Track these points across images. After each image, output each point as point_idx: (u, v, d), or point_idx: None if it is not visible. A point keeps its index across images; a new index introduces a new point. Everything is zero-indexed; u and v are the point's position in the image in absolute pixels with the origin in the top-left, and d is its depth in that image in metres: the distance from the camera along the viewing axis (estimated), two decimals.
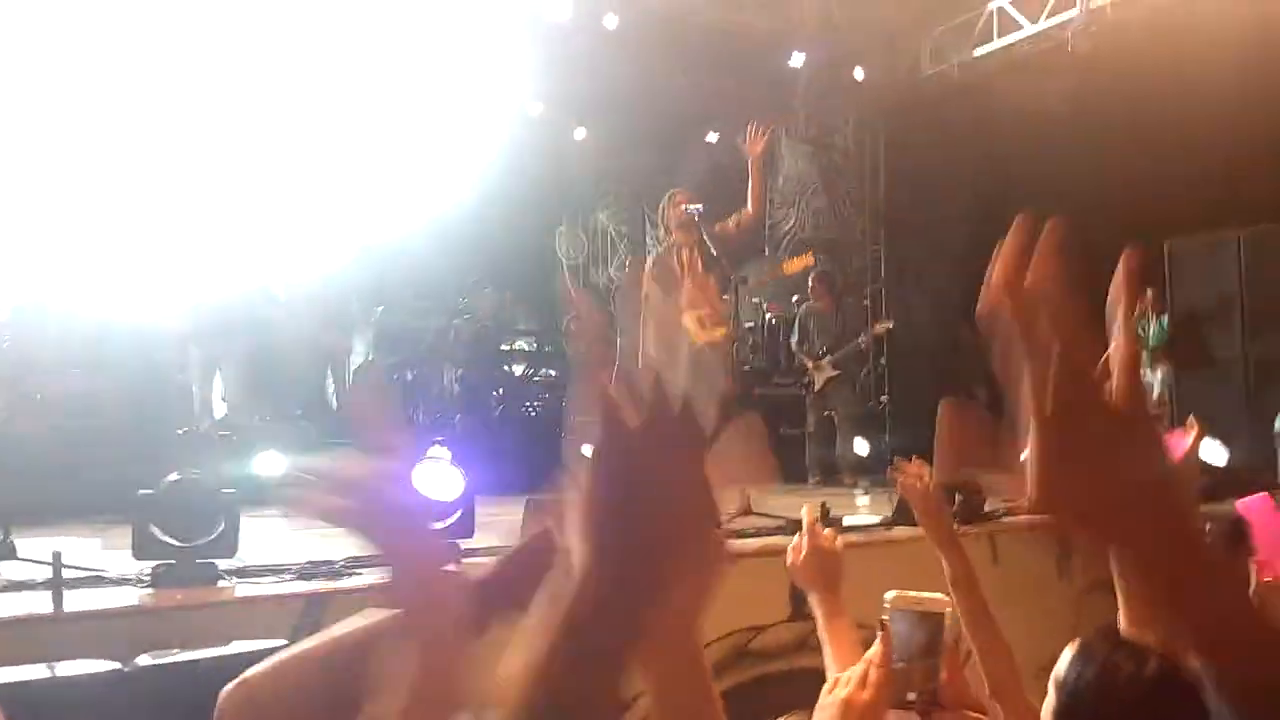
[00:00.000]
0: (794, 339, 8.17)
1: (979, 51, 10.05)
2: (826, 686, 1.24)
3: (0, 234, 6.85)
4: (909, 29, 10.45)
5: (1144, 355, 8.41)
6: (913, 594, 1.26)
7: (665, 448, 0.65)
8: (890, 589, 1.32)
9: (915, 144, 10.33)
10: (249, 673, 1.13)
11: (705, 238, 5.92)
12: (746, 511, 4.82)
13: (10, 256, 6.78)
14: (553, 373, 9.77)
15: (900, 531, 4.39)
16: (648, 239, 12.19)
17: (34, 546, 3.60)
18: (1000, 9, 9.84)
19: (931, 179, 10.15)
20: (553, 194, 11.52)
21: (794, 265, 7.45)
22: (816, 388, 7.87)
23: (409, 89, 8.99)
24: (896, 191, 10.87)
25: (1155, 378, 8.49)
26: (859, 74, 10.53)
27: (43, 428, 5.09)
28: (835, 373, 7.83)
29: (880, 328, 7.96)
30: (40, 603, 3.12)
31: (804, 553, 1.52)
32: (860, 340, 8.10)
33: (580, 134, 11.11)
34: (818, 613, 1.46)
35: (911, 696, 1.21)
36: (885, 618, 1.22)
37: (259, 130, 8.23)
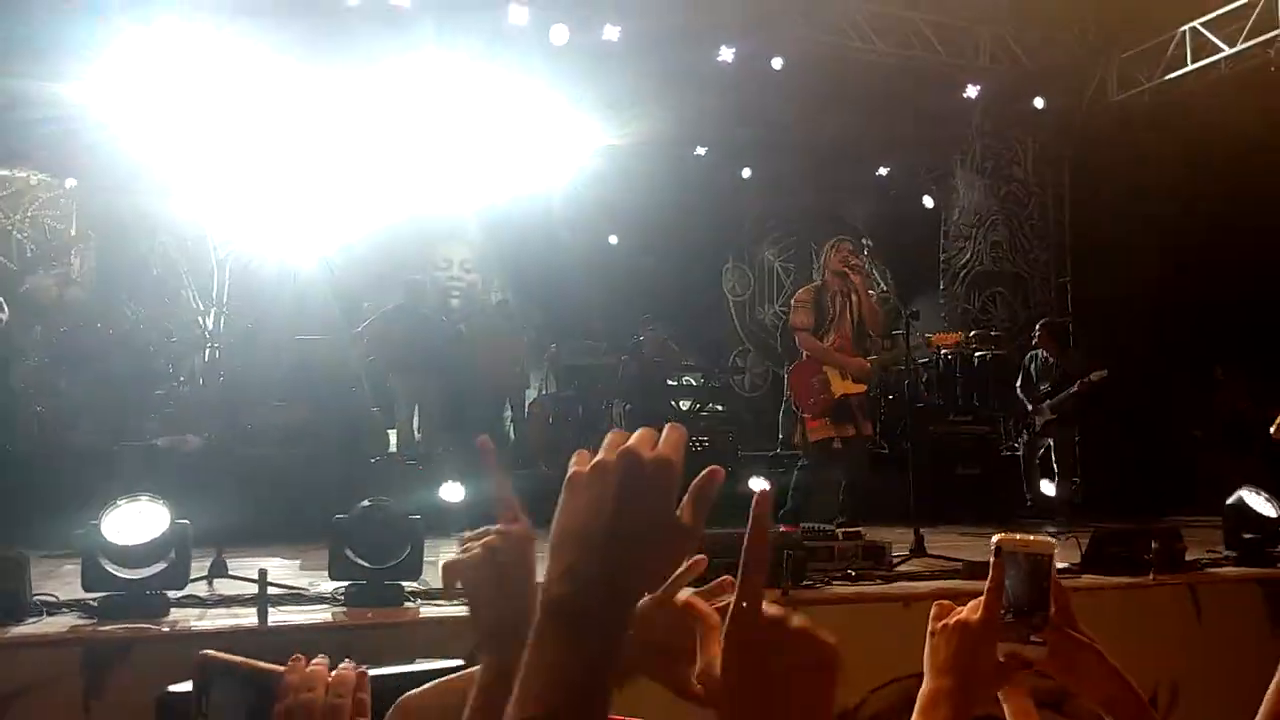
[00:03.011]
0: (1018, 383, 7.95)
1: (1172, 75, 9.53)
2: (934, 614, 1.25)
3: (219, 261, 7.50)
4: (1093, 55, 10.02)
5: None
6: (1019, 536, 1.26)
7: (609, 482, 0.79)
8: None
9: (1103, 172, 9.85)
10: (409, 694, 1.22)
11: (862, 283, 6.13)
12: (920, 553, 4.68)
13: (227, 285, 7.42)
14: (720, 408, 9.79)
15: (1089, 579, 4.14)
16: (814, 274, 12.11)
17: (242, 565, 3.90)
18: (1194, 30, 9.30)
19: (1121, 208, 9.62)
20: (720, 232, 11.62)
21: (945, 340, 7.25)
22: (1036, 429, 7.59)
23: (582, 132, 9.32)
24: (1083, 223, 10.37)
25: None
26: (1039, 103, 10.15)
27: (252, 455, 5.52)
28: (1053, 416, 7.57)
29: (1097, 375, 7.65)
30: (247, 617, 3.36)
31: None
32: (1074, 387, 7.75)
33: (746, 173, 11.19)
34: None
35: (1021, 627, 1.23)
36: (997, 550, 1.24)
37: (434, 175, 8.69)
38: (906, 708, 1.48)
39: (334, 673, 1.23)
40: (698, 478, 0.83)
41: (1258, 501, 4.68)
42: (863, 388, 6.06)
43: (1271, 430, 1.73)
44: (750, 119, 9.80)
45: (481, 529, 1.12)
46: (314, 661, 1.23)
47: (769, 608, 0.80)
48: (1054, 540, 1.27)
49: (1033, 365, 7.86)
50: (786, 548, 4.13)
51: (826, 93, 9.49)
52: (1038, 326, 8.15)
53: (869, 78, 9.38)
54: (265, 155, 7.98)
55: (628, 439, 0.81)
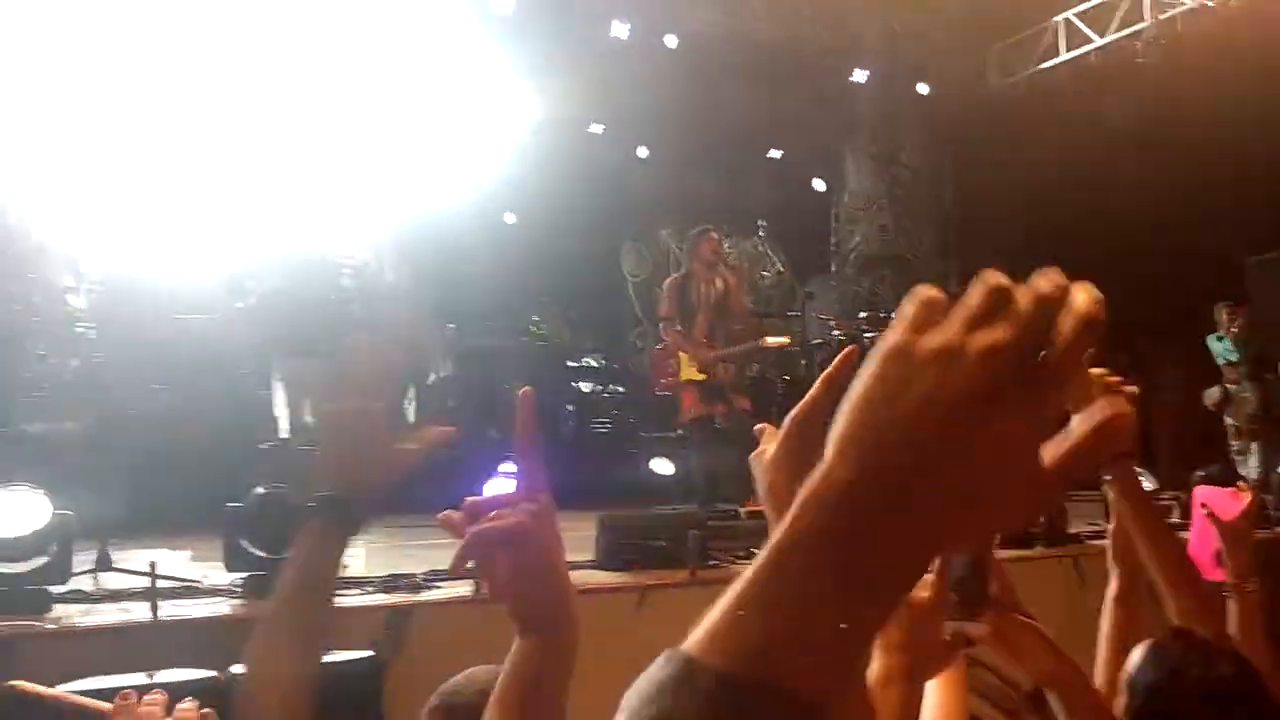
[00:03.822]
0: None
1: (1046, 64, 9.95)
2: None
3: (86, 240, 7.10)
4: (974, 43, 10.37)
5: (1241, 370, 8.20)
6: None
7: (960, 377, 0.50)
8: None
9: (984, 158, 10.24)
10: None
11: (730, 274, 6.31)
12: None
13: (95, 266, 7.03)
14: (621, 389, 9.81)
15: None
16: (682, 263, 12.23)
17: (129, 559, 3.72)
18: (1067, 21, 9.73)
19: (1002, 193, 10.04)
20: (616, 212, 11.60)
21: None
22: None
23: (473, 109, 9.15)
24: (966, 207, 10.77)
25: (1249, 392, 8.26)
26: (923, 88, 10.46)
27: (133, 442, 5.26)
28: None
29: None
30: (138, 611, 3.22)
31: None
32: None
33: (643, 152, 11.19)
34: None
35: (965, 605, 1.28)
36: None
37: (323, 148, 8.44)
38: None
39: (174, 714, 1.14)
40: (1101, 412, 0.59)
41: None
42: (705, 377, 6.23)
43: (1208, 401, 1.84)
44: (646, 98, 9.80)
45: (503, 496, 1.05)
46: (146, 699, 1.14)
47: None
48: None
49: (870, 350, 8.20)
50: (691, 527, 4.19)
51: (720, 74, 9.56)
52: (880, 314, 8.49)
53: (762, 60, 9.49)
54: (141, 119, 7.58)
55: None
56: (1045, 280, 0.52)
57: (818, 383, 0.96)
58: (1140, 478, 4.73)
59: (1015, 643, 1.34)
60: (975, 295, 0.53)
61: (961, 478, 0.49)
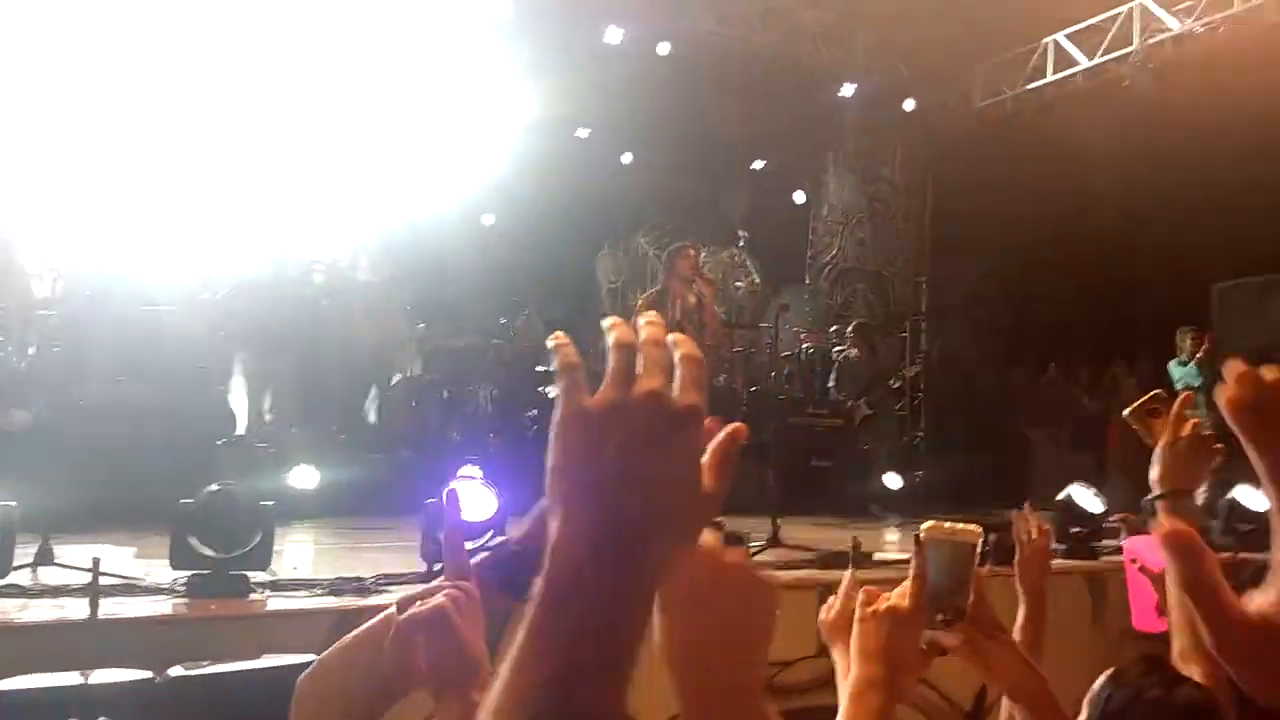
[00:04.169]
0: (831, 383, 8.29)
1: (1033, 85, 9.99)
2: (862, 600, 1.29)
3: (57, 230, 7.01)
4: (961, 62, 10.41)
5: (1199, 397, 8.25)
6: (947, 524, 1.32)
7: (631, 425, 0.63)
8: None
9: (965, 176, 10.29)
10: (323, 655, 1.18)
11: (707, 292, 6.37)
12: (775, 543, 4.78)
13: (65, 256, 6.94)
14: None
15: None
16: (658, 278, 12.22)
17: (73, 553, 3.65)
18: (1056, 43, 9.77)
19: (980, 212, 10.08)
20: (596, 217, 11.58)
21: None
22: (855, 424, 7.94)
23: (456, 107, 9.11)
24: (944, 224, 10.81)
25: (1206, 418, 8.32)
26: (909, 105, 10.50)
27: (86, 434, 5.17)
28: (869, 411, 7.91)
29: (909, 372, 8.14)
30: (77, 609, 3.15)
31: (835, 611, 1.36)
32: (892, 382, 8.21)
33: (627, 158, 11.18)
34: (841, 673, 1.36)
35: (941, 616, 1.28)
36: (921, 539, 1.29)
37: (303, 146, 8.38)
38: (768, 695, 1.48)
39: None
40: (718, 436, 0.72)
41: (1086, 497, 4.97)
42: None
43: (1125, 412, 1.86)
44: (634, 104, 9.79)
45: (433, 585, 1.10)
46: None
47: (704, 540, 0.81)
48: (979, 529, 1.30)
49: (846, 367, 8.25)
50: None
51: (710, 83, 9.57)
52: (850, 327, 8.57)
53: (751, 70, 9.51)
54: (118, 108, 7.50)
55: (641, 372, 0.65)
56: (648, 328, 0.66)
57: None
58: (1085, 495, 4.75)
59: (987, 654, 1.34)
60: (614, 358, 0.65)
61: (642, 506, 0.61)
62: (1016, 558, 2.05)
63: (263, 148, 8.13)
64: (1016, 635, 1.93)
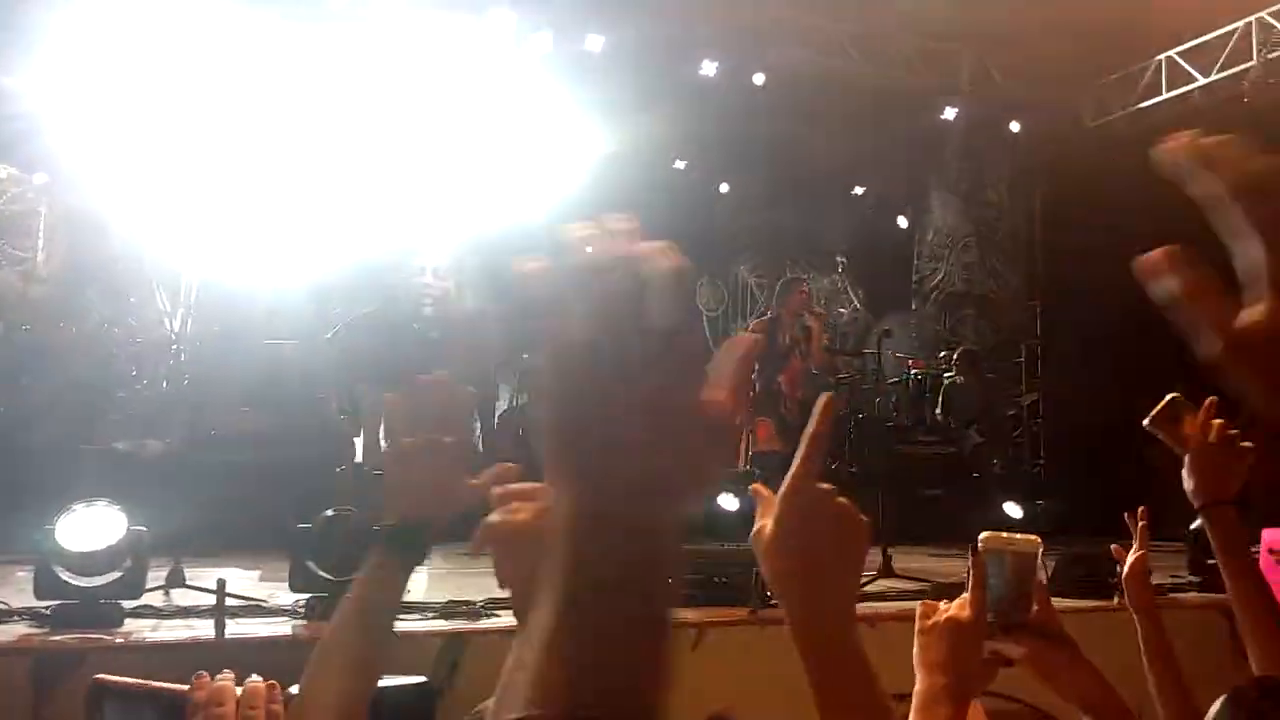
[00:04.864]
0: (939, 411, 8.17)
1: (1146, 103, 9.67)
2: (921, 612, 1.29)
3: (185, 268, 7.40)
4: (1070, 81, 10.14)
5: None
6: (1005, 534, 1.30)
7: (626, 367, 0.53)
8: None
9: (1076, 198, 9.97)
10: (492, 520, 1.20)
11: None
12: (888, 573, 4.68)
13: (193, 294, 7.32)
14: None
15: (1054, 601, 4.15)
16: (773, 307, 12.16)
17: (200, 575, 3.82)
18: (1170, 59, 9.44)
19: (1093, 235, 9.75)
20: (695, 247, 11.53)
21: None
22: (966, 452, 7.78)
23: (553, 141, 9.30)
24: (1055, 248, 10.50)
25: None
26: (1015, 127, 10.26)
27: (215, 462, 5.43)
28: (980, 440, 7.74)
29: (1027, 399, 7.95)
30: (203, 629, 3.30)
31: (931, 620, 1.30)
32: (1008, 410, 8.03)
33: (724, 188, 11.21)
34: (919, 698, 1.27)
35: (1002, 626, 1.27)
36: (979, 550, 1.28)
37: (410, 180, 8.67)
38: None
39: (243, 686, 1.22)
40: (728, 341, 0.61)
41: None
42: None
43: (1146, 421, 1.78)
44: (730, 134, 9.83)
45: (532, 485, 1.08)
46: (219, 676, 1.22)
47: (820, 484, 0.97)
48: (1038, 539, 1.28)
49: (954, 394, 8.10)
50: (754, 565, 4.12)
51: (807, 110, 9.54)
52: (956, 354, 8.42)
53: (849, 96, 9.44)
54: (239, 153, 7.90)
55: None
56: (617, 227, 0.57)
57: (805, 442, 0.98)
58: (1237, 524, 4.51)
59: (1052, 664, 1.31)
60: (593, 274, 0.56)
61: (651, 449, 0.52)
62: (1131, 579, 1.97)
63: (371, 181, 8.45)
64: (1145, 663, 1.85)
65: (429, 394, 1.32)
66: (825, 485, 1.00)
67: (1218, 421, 1.69)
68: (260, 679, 1.26)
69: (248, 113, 7.78)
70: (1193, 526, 4.84)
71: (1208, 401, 1.73)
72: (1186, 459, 1.73)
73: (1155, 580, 4.40)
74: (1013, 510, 7.14)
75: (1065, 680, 1.31)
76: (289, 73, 7.71)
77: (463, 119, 8.76)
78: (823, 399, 1.00)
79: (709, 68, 9.05)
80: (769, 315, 6.84)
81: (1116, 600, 4.23)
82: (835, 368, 7.12)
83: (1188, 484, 1.71)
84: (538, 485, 1.05)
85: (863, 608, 4.06)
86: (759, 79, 9.21)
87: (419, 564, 1.35)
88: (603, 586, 0.52)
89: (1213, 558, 4.79)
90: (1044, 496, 7.54)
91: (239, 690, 1.23)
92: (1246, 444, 1.68)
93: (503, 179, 9.30)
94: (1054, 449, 9.35)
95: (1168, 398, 1.77)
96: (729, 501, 6.54)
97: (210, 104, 7.58)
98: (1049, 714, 3.59)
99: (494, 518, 1.05)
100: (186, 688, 1.23)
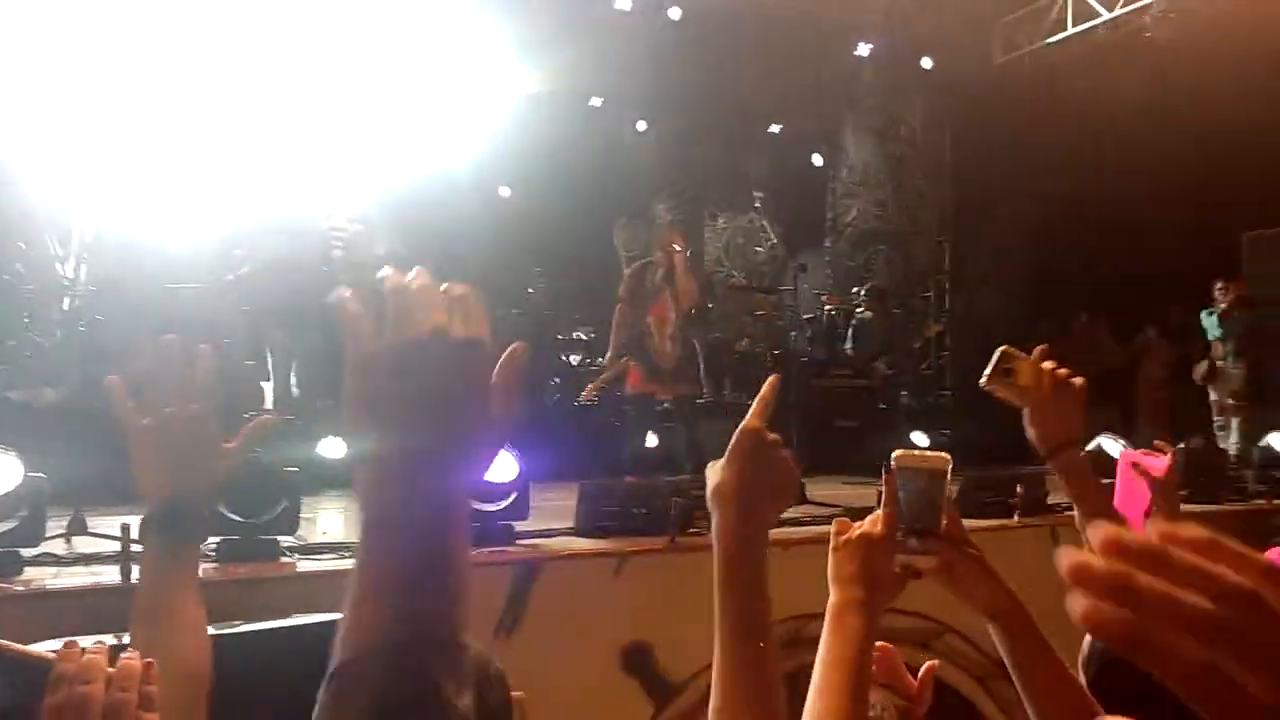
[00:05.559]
0: (848, 346, 8.34)
1: (1053, 39, 9.83)
2: (834, 529, 1.35)
3: (78, 210, 7.07)
4: (980, 17, 10.25)
5: (1228, 346, 8.20)
6: (916, 453, 1.35)
7: (420, 360, 0.72)
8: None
9: (985, 135, 10.16)
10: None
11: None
12: (802, 500, 4.78)
13: (87, 237, 7.00)
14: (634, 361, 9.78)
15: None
16: (705, 230, 12.14)
17: (103, 524, 3.70)
18: None
19: (1002, 170, 9.95)
20: (612, 186, 11.52)
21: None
22: (875, 386, 7.97)
23: (467, 79, 9.08)
24: (964, 183, 10.69)
25: (1236, 368, 8.27)
26: (927, 63, 10.36)
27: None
28: (889, 371, 7.94)
29: (931, 331, 8.15)
30: (108, 575, 3.20)
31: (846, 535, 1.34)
32: (914, 342, 8.23)
33: (641, 126, 11.10)
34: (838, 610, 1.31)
35: (913, 540, 1.31)
36: (891, 467, 1.32)
37: (317, 121, 8.40)
38: (794, 645, 1.54)
39: (117, 663, 1.11)
40: (503, 358, 0.81)
41: (1114, 448, 4.93)
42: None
43: (981, 382, 1.79)
44: (647, 71, 9.72)
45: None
46: (90, 647, 1.11)
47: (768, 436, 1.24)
48: (948, 456, 1.31)
49: (862, 330, 8.29)
50: (673, 495, 4.17)
51: (723, 46, 9.48)
52: (863, 290, 8.62)
53: (765, 32, 9.40)
54: (137, 89, 7.53)
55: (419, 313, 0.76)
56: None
57: (755, 405, 1.27)
58: (1114, 446, 4.71)
59: (961, 575, 1.34)
60: (392, 302, 0.75)
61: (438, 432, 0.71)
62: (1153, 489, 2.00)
63: (276, 124, 8.15)
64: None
65: (164, 365, 1.26)
66: (773, 436, 1.24)
67: (1048, 366, 1.70)
68: (137, 654, 1.12)
69: (148, 48, 7.42)
70: (1088, 448, 5.07)
71: (1036, 350, 1.74)
72: (1025, 413, 1.72)
73: (1052, 500, 4.62)
74: (919, 439, 7.35)
75: (973, 589, 1.34)
76: (195, 7, 7.36)
77: (374, 58, 8.48)
78: (769, 382, 1.31)
79: (624, 1, 8.89)
80: (643, 261, 6.82)
81: (1016, 519, 4.42)
82: (751, 305, 7.16)
83: (1030, 435, 1.74)
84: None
85: (777, 533, 4.17)
86: (674, 13, 9.09)
87: (195, 542, 1.34)
88: (387, 525, 0.69)
89: (1106, 476, 5.03)
90: (950, 426, 7.78)
91: (112, 668, 1.08)
92: (1078, 380, 1.70)
93: (415, 119, 9.06)
94: (960, 380, 9.63)
95: (997, 352, 1.75)
96: (649, 439, 6.65)
97: (108, 37, 7.20)
98: (950, 626, 3.76)
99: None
100: (53, 655, 1.11)
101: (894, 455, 1.33)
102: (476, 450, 0.74)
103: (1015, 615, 1.34)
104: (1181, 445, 4.81)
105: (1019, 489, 4.42)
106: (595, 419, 7.39)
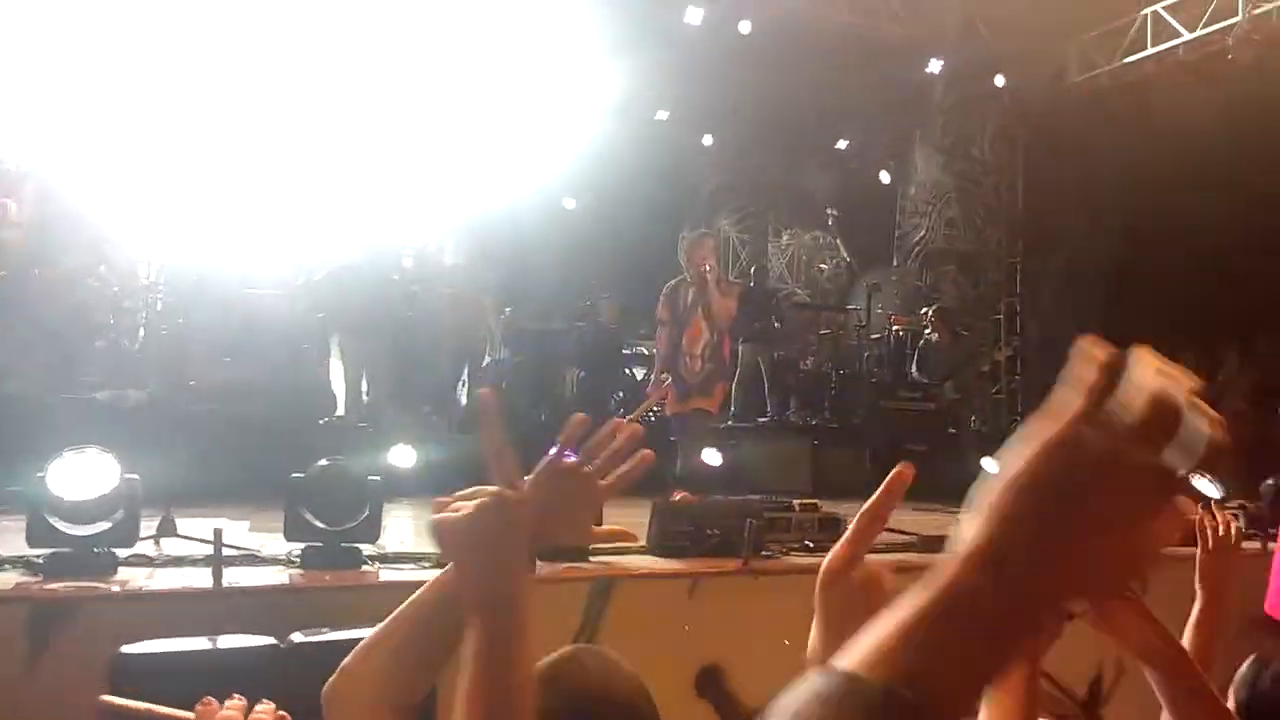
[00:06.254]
0: (913, 368, 8.22)
1: (1131, 59, 9.64)
2: None
3: (159, 215, 7.25)
4: (1055, 35, 10.08)
5: None
6: None
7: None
8: None
9: (1057, 154, 9.97)
10: (344, 662, 1.17)
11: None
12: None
13: (170, 242, 7.17)
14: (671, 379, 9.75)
15: None
16: (769, 246, 12.08)
17: (189, 525, 3.77)
18: (1155, 14, 9.41)
19: (1074, 191, 9.76)
20: (678, 200, 11.53)
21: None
22: (944, 409, 7.86)
23: (536, 92, 9.14)
24: (1036, 203, 10.50)
25: None
26: (999, 81, 10.21)
27: (196, 413, 5.34)
28: (956, 396, 7.81)
29: (1002, 354, 8.01)
30: (199, 578, 3.25)
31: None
32: (982, 366, 8.08)
33: (707, 140, 11.09)
34: None
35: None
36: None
37: (393, 134, 8.52)
38: None
39: (252, 714, 1.15)
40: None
41: (1203, 484, 4.79)
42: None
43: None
44: (714, 85, 9.70)
45: (473, 489, 1.06)
46: (228, 704, 1.14)
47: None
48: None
49: (929, 353, 8.14)
50: (747, 517, 4.13)
51: (792, 61, 9.43)
52: (930, 311, 8.46)
53: (835, 48, 9.34)
54: (215, 102, 7.72)
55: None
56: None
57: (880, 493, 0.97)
58: (1206, 484, 4.57)
59: (1116, 618, 1.29)
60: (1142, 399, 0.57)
61: (1079, 548, 0.57)
62: (1200, 553, 1.94)
63: (354, 136, 8.29)
64: (1187, 636, 1.84)
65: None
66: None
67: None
68: (271, 705, 1.16)
69: (229, 62, 7.59)
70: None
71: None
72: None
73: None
74: (991, 466, 7.21)
75: (1130, 633, 1.30)
76: (278, 27, 7.52)
77: (440, 74, 8.59)
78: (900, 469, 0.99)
79: (694, 15, 8.89)
80: (676, 280, 6.69)
81: None
82: (816, 324, 7.08)
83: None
84: (480, 487, 1.06)
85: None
86: (744, 27, 9.06)
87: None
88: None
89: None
90: None
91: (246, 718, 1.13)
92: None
93: (483, 133, 9.15)
94: (1032, 405, 9.45)
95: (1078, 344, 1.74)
96: (713, 457, 6.60)
97: (193, 52, 7.39)
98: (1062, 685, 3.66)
99: (438, 516, 1.05)
100: (190, 715, 1.15)
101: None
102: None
103: (1175, 661, 1.30)
104: (1270, 482, 4.66)
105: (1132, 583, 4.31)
106: (657, 432, 7.38)
